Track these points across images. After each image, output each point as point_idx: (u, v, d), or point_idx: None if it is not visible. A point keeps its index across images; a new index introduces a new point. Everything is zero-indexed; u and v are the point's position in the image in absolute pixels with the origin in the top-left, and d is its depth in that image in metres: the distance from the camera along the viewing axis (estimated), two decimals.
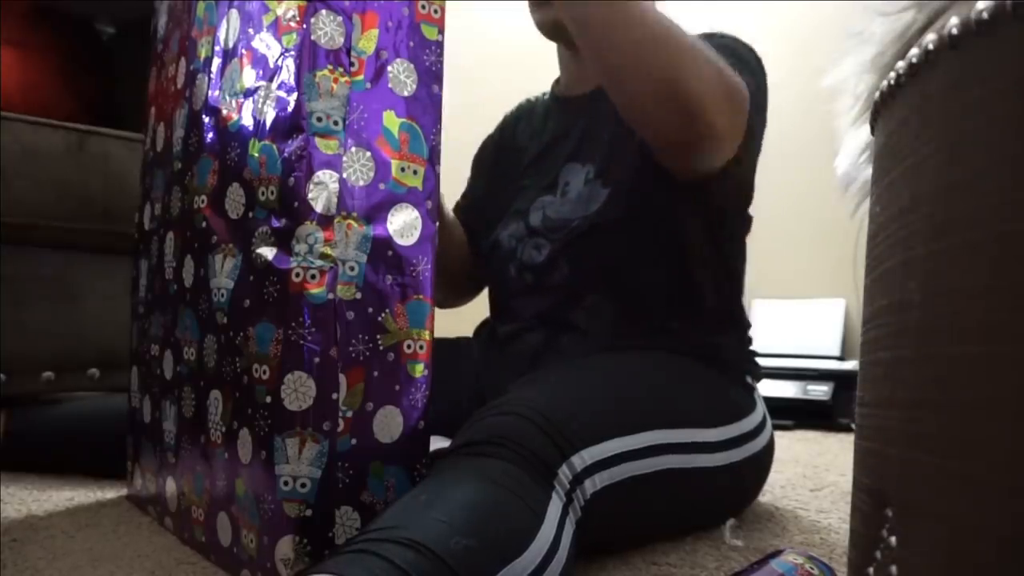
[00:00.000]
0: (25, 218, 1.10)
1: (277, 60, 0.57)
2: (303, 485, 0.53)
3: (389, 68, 0.58)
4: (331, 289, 0.54)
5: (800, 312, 2.13)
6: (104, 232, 1.18)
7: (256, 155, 0.58)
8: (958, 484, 0.24)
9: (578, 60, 0.92)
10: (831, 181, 0.45)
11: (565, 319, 0.84)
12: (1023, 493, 0.22)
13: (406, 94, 0.59)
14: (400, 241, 0.58)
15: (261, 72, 0.59)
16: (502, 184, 0.97)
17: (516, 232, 0.89)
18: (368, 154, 0.57)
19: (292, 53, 0.55)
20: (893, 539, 0.28)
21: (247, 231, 0.58)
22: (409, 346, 0.58)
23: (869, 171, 0.40)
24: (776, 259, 2.16)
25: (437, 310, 0.62)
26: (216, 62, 0.66)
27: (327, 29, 0.55)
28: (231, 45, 0.63)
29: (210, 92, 0.66)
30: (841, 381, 1.83)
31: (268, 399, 0.54)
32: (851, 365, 1.91)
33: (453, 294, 1.05)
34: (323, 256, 0.54)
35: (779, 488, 1.02)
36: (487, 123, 1.09)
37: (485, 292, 1.02)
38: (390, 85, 0.58)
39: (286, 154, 0.55)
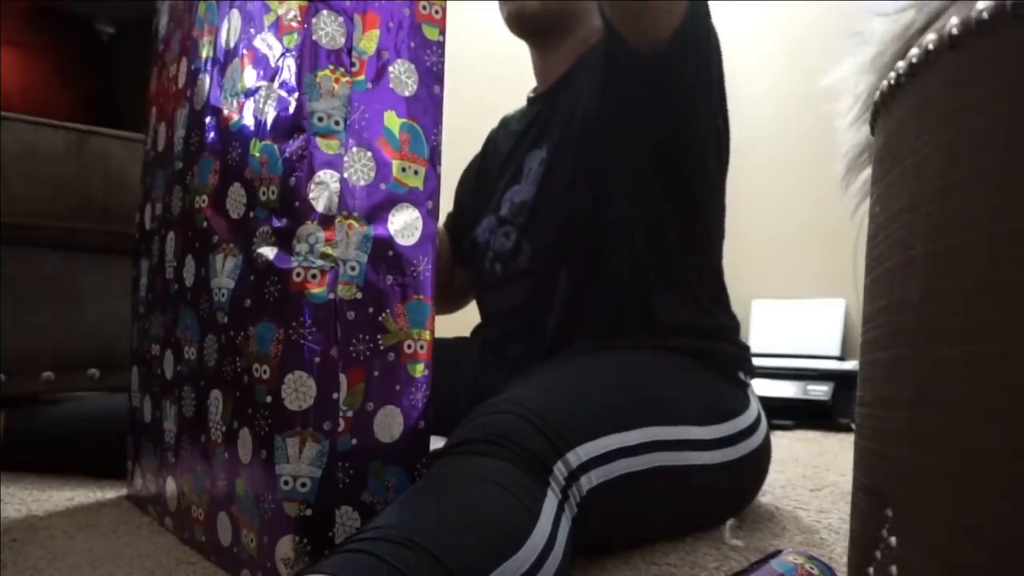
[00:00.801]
0: (25, 218, 1.10)
1: (278, 60, 0.57)
2: (303, 485, 0.53)
3: (390, 68, 0.58)
4: (332, 289, 0.54)
5: (800, 312, 2.13)
6: (104, 232, 1.18)
7: (257, 155, 0.58)
8: (958, 484, 0.24)
9: (544, 58, 0.95)
10: (831, 181, 0.45)
11: (543, 311, 0.85)
12: (1022, 493, 0.22)
13: (407, 94, 0.59)
14: (401, 241, 0.58)
15: (262, 72, 0.59)
16: (484, 193, 1.00)
17: (488, 225, 0.92)
18: (369, 154, 0.57)
19: (293, 53, 0.55)
20: (893, 539, 0.28)
21: (248, 231, 0.58)
22: (409, 346, 0.58)
23: (869, 171, 0.40)
24: (776, 259, 2.16)
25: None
26: (217, 62, 0.66)
27: (328, 29, 0.55)
28: (232, 45, 0.63)
29: (211, 92, 0.66)
30: (841, 381, 1.82)
31: (268, 399, 0.54)
32: (851, 365, 1.90)
33: (439, 300, 1.06)
34: (324, 256, 0.54)
35: (779, 488, 1.02)
36: (487, 123, 1.09)
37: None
38: (391, 85, 0.58)
39: (287, 154, 0.55)
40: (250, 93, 0.60)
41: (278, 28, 0.57)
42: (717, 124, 0.86)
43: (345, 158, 0.56)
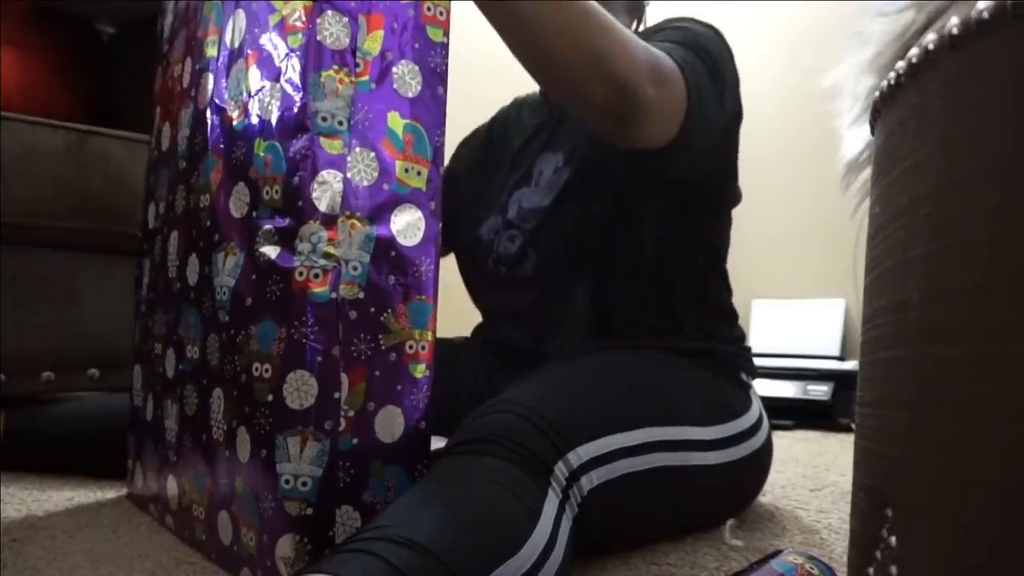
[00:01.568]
0: (25, 218, 1.10)
1: (283, 60, 0.57)
2: (304, 484, 0.53)
3: (394, 69, 0.58)
4: (334, 288, 0.54)
5: (800, 312, 2.13)
6: (104, 232, 1.18)
7: (261, 154, 0.58)
8: (958, 484, 0.24)
9: None
10: (831, 181, 0.45)
11: (547, 317, 0.85)
12: (1021, 493, 0.22)
13: (411, 95, 0.59)
14: (403, 241, 0.58)
15: (267, 72, 0.59)
16: (489, 183, 0.97)
17: (494, 225, 0.90)
18: (372, 154, 0.57)
19: (298, 53, 0.56)
20: (893, 539, 0.28)
21: (251, 230, 0.58)
22: (411, 346, 0.58)
23: (869, 171, 0.40)
24: (776, 259, 2.16)
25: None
26: (222, 62, 0.66)
27: (333, 30, 0.55)
28: (237, 45, 0.64)
29: (216, 91, 0.66)
30: (841, 381, 1.83)
31: (270, 397, 0.54)
32: (851, 365, 1.90)
33: None
34: (326, 255, 0.54)
35: (779, 488, 1.02)
36: None
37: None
38: (395, 86, 0.58)
39: (291, 153, 0.55)
40: (254, 93, 0.60)
41: (283, 28, 0.57)
42: (731, 161, 0.86)
43: (348, 158, 0.56)
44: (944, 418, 0.25)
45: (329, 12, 0.55)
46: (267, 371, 0.55)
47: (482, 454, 0.55)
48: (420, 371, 0.59)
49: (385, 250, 0.57)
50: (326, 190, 0.55)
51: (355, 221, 0.56)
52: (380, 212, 0.57)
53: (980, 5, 0.25)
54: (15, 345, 1.09)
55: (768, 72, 2.13)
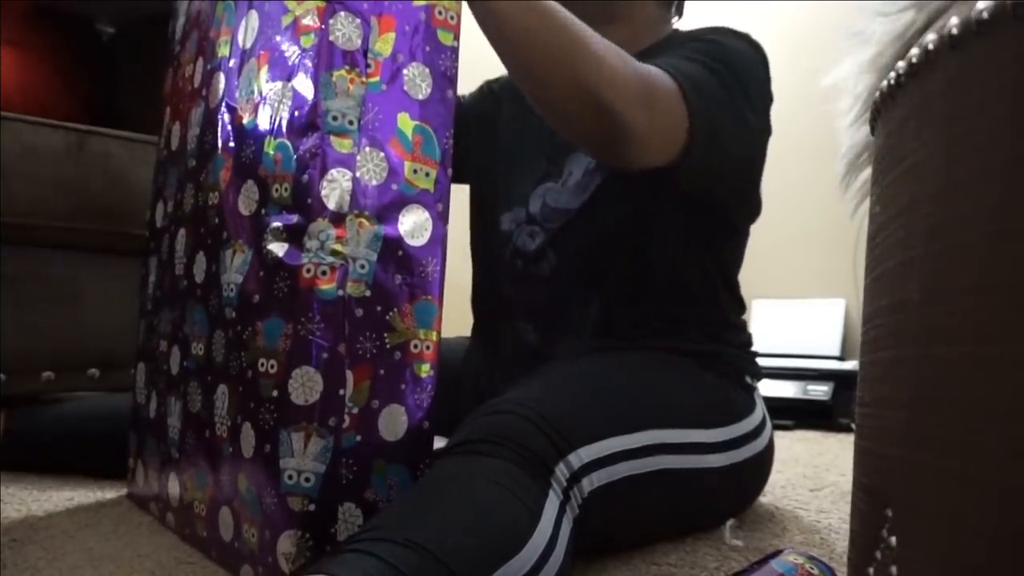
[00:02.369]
0: (25, 218, 1.10)
1: (295, 60, 0.57)
2: (307, 479, 0.53)
3: (405, 71, 0.58)
4: (341, 286, 0.55)
5: (800, 312, 2.13)
6: (104, 232, 1.18)
7: (271, 152, 0.58)
8: (958, 484, 0.24)
9: None
10: (831, 181, 0.45)
11: (558, 319, 0.84)
12: (1021, 493, 0.22)
13: (421, 97, 0.59)
14: (410, 241, 0.58)
15: (279, 72, 0.59)
16: (517, 167, 0.93)
17: (516, 217, 0.88)
18: (381, 154, 0.57)
19: (310, 53, 0.56)
20: (893, 539, 0.28)
21: (259, 227, 0.58)
22: (416, 346, 0.58)
23: (869, 171, 0.40)
24: (776, 259, 2.15)
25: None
26: (234, 62, 0.66)
27: (345, 30, 0.56)
28: (249, 45, 0.64)
29: (227, 91, 0.66)
30: (841, 381, 1.83)
31: (275, 393, 0.54)
32: (851, 365, 1.90)
33: None
34: (334, 253, 0.55)
35: (779, 488, 1.02)
36: None
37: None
38: (405, 88, 0.58)
39: (301, 151, 0.56)
40: (266, 92, 0.60)
41: (295, 29, 0.58)
42: (755, 179, 0.85)
43: (358, 157, 0.56)
44: (944, 418, 0.25)
45: (342, 13, 0.56)
46: (273, 367, 0.55)
47: (483, 454, 0.55)
48: (424, 371, 0.59)
49: (392, 249, 0.57)
50: (335, 188, 0.55)
51: (363, 220, 0.56)
52: (388, 212, 0.57)
53: (980, 5, 0.25)
54: (15, 345, 1.09)
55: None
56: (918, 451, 0.27)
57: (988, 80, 0.25)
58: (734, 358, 0.83)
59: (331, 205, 0.55)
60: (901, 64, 0.30)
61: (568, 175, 0.86)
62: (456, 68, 0.61)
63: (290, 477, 0.53)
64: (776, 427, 1.70)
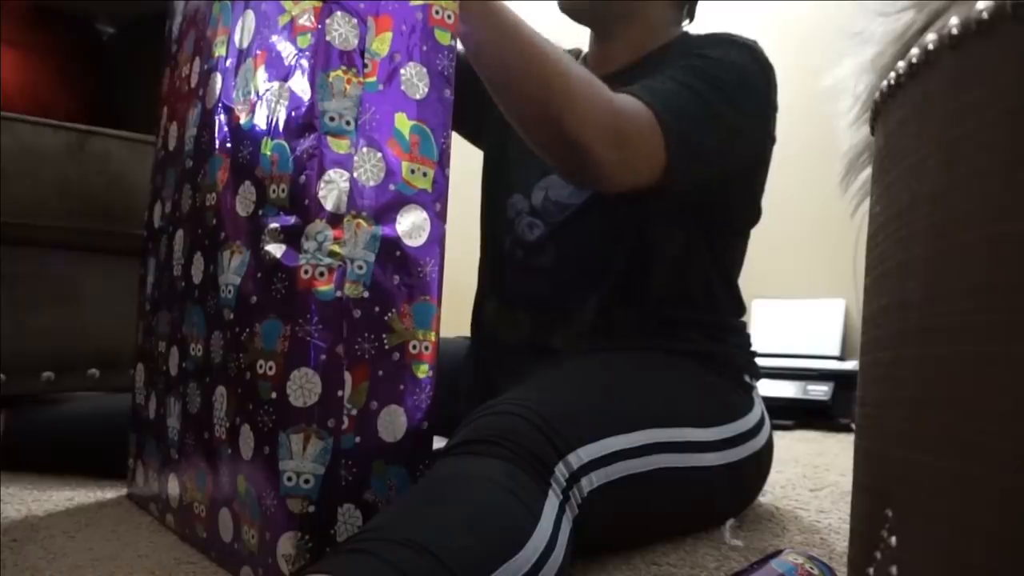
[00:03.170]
0: (25, 218, 1.10)
1: (291, 60, 0.57)
2: (307, 481, 0.53)
3: (402, 71, 0.58)
4: (339, 287, 0.55)
5: (800, 312, 2.13)
6: (104, 232, 1.18)
7: (268, 153, 0.58)
8: (958, 484, 0.24)
9: (600, 44, 0.91)
10: (831, 181, 0.45)
11: (555, 312, 0.84)
12: (1021, 493, 0.22)
13: (418, 97, 0.59)
14: (408, 242, 0.58)
15: (275, 72, 0.59)
16: (517, 139, 0.93)
17: (519, 206, 0.89)
18: (379, 155, 0.57)
19: (307, 53, 0.56)
20: (893, 539, 0.28)
21: (256, 228, 0.58)
22: (414, 347, 0.58)
23: (869, 171, 0.40)
24: (776, 259, 2.15)
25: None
26: (230, 62, 0.66)
27: (342, 30, 0.56)
28: (246, 45, 0.64)
29: (224, 91, 0.66)
30: (841, 381, 1.83)
31: (273, 395, 0.54)
32: (851, 365, 1.90)
33: None
34: (332, 254, 0.55)
35: (779, 488, 1.02)
36: None
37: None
38: (402, 88, 0.58)
39: (298, 152, 0.55)
40: (262, 93, 0.60)
41: (292, 29, 0.58)
42: (756, 187, 0.86)
43: (355, 158, 0.56)
44: (944, 418, 0.25)
45: (338, 13, 0.56)
46: (271, 369, 0.55)
47: (482, 455, 0.55)
48: (423, 371, 0.59)
49: (390, 250, 0.57)
50: (332, 189, 0.55)
51: (361, 221, 0.56)
52: (386, 212, 0.57)
53: (980, 5, 0.25)
54: (15, 345, 1.09)
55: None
56: (918, 451, 0.27)
57: (988, 80, 0.25)
58: (733, 357, 0.83)
59: (328, 206, 0.55)
60: (901, 64, 0.30)
61: None
62: (453, 67, 0.61)
63: (289, 479, 0.53)
64: (776, 427, 1.70)
